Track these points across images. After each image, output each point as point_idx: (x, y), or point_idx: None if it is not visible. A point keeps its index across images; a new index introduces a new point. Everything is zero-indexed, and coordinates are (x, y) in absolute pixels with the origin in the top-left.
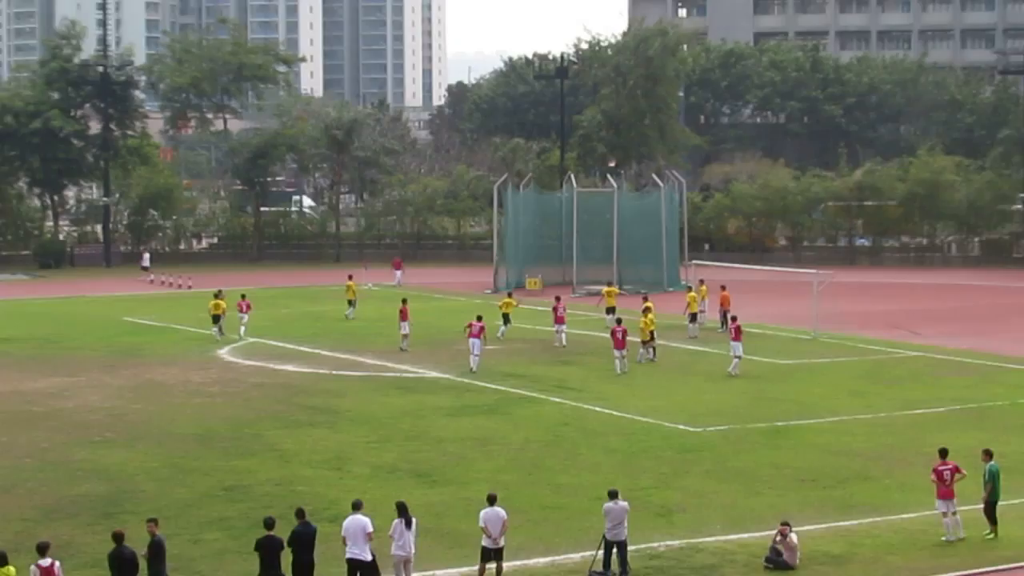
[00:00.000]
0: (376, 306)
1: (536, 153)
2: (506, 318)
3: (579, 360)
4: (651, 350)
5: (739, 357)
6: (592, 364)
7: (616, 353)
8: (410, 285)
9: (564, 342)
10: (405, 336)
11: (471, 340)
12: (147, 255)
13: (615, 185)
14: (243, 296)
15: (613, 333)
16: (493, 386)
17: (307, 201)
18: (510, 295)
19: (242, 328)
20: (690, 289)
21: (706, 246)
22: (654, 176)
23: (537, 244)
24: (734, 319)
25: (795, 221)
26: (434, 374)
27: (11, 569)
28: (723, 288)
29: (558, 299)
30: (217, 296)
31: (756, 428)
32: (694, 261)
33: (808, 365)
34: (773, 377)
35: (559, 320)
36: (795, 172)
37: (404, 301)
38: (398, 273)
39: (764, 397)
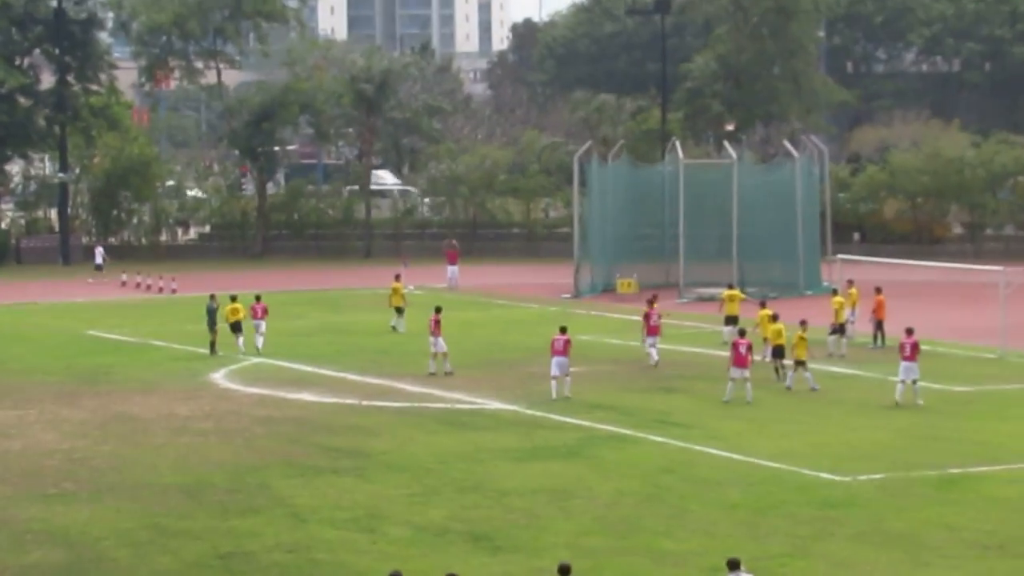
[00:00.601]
0: (417, 316)
1: (630, 114)
2: (399, 311)
3: (686, 386)
4: (787, 373)
5: (910, 382)
6: (703, 392)
7: (734, 373)
8: (464, 287)
9: (656, 359)
10: (442, 355)
11: (554, 359)
12: (100, 250)
13: (734, 155)
14: (258, 298)
15: (735, 347)
16: (574, 421)
17: (388, 178)
18: (398, 278)
19: (259, 339)
20: (835, 292)
21: (855, 236)
22: (786, 143)
23: (631, 234)
24: (909, 332)
25: (974, 202)
26: (495, 405)
27: None
28: (878, 292)
29: (651, 303)
30: (233, 300)
31: (922, 477)
32: (840, 256)
33: (992, 393)
34: (945, 409)
35: (651, 331)
36: (974, 137)
37: (437, 310)
38: (452, 270)
39: (933, 436)
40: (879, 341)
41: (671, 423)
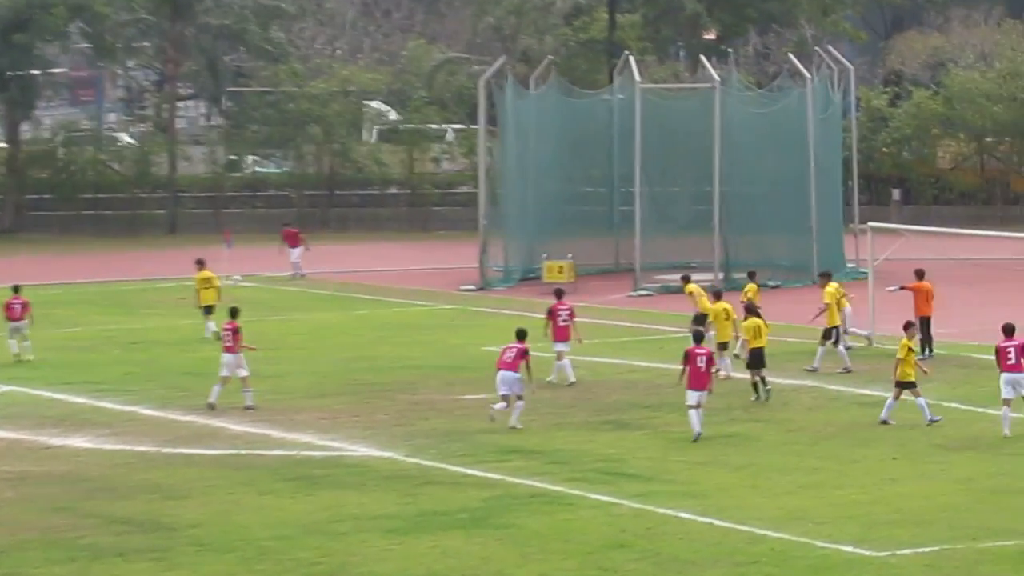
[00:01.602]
0: (250, 315)
1: (562, 17)
2: (208, 311)
3: (645, 420)
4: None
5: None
6: (670, 428)
7: (690, 398)
8: (316, 277)
9: (570, 377)
10: (240, 381)
11: (501, 373)
12: None
13: (716, 77)
14: (16, 289)
15: (690, 359)
16: (479, 473)
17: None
18: (201, 263)
19: (17, 347)
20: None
21: (895, 194)
22: (793, 58)
23: (564, 194)
24: (1009, 332)
25: None
26: (363, 451)
27: None
28: (919, 276)
29: (558, 296)
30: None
31: (996, 550)
32: (871, 224)
33: None
34: None
35: (559, 334)
36: None
37: (232, 314)
38: (295, 253)
39: (1013, 489)
40: (926, 350)
41: (623, 474)
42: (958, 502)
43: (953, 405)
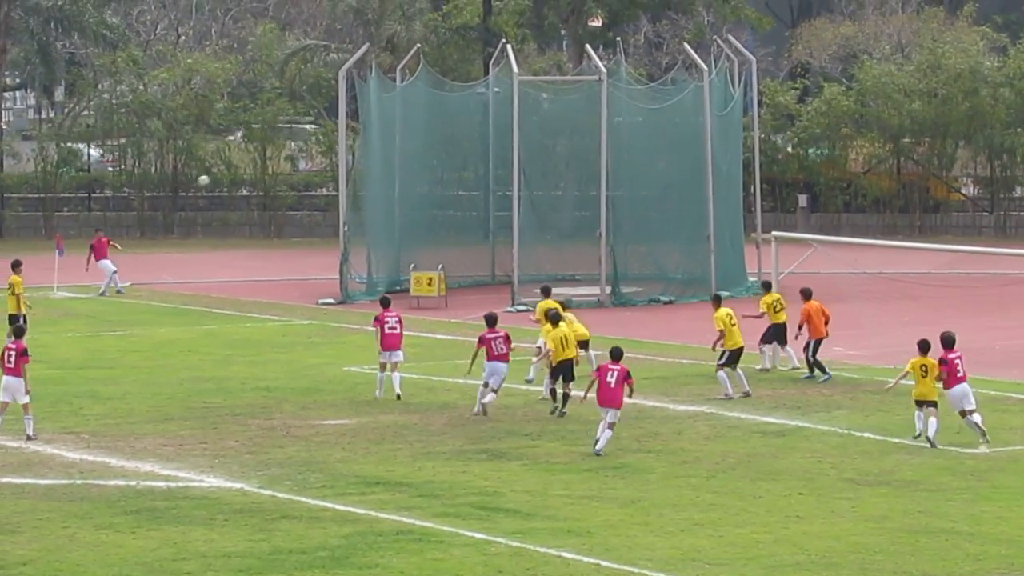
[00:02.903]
0: (86, 330)
1: (429, 1)
2: (15, 321)
3: (526, 448)
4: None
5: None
6: (553, 457)
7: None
8: (159, 288)
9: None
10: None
11: (491, 364)
12: None
13: (603, 68)
14: None
15: (600, 374)
16: (339, 507)
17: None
18: (18, 268)
19: None
20: (767, 288)
21: (802, 200)
22: (688, 49)
23: (434, 198)
24: (949, 344)
25: (997, 144)
26: (211, 481)
27: None
28: (807, 296)
29: (385, 304)
30: None
31: None
32: (775, 233)
33: (1023, 457)
34: (950, 484)
35: (388, 342)
36: (997, 36)
37: (15, 334)
38: (106, 265)
39: (930, 528)
40: (817, 371)
41: (500, 509)
42: (870, 542)
43: (865, 435)
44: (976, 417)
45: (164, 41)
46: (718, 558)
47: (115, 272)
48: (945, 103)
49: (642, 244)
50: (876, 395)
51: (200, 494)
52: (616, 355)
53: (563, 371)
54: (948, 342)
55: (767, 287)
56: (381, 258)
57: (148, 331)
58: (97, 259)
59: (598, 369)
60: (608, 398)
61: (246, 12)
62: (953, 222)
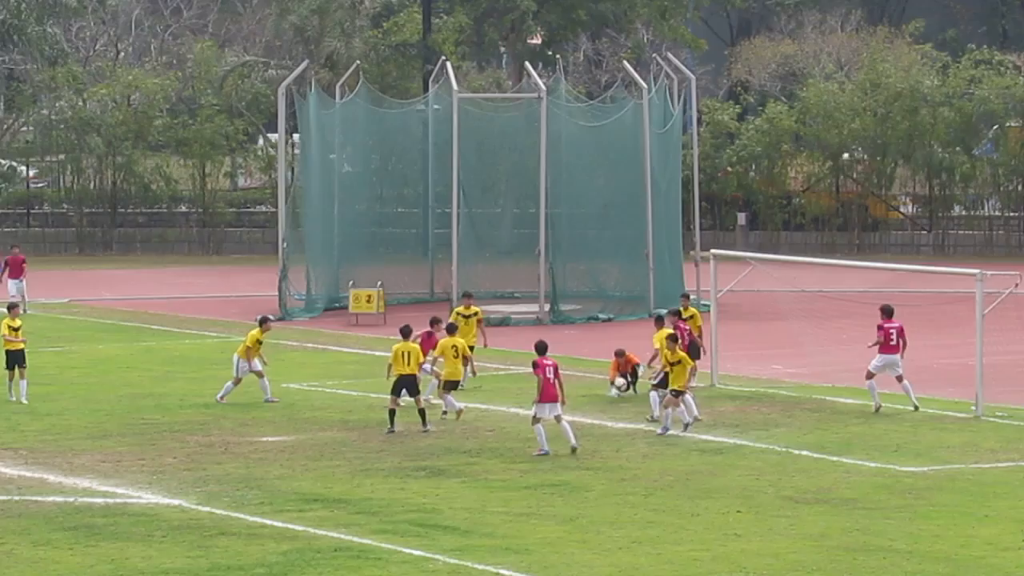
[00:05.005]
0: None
1: (370, 18)
2: None
3: (464, 466)
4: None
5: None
6: (491, 474)
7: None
8: (100, 305)
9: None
10: None
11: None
12: None
13: (543, 86)
14: None
15: (539, 369)
16: (277, 524)
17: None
18: None
19: None
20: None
21: (741, 218)
22: (628, 67)
23: (373, 216)
24: (888, 314)
25: (936, 163)
26: (149, 498)
27: None
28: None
29: (433, 325)
30: None
31: None
32: (714, 251)
33: (963, 476)
34: (888, 502)
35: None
36: (937, 54)
37: None
38: (15, 285)
39: (867, 546)
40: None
41: (438, 526)
42: (808, 560)
43: (803, 453)
44: (906, 384)
45: (104, 57)
46: (654, 574)
47: (19, 293)
48: (885, 122)
49: (581, 262)
50: (814, 413)
51: (138, 511)
52: (541, 349)
53: (404, 385)
54: (887, 312)
55: (659, 322)
56: (320, 275)
57: (87, 347)
58: (12, 278)
59: (535, 366)
60: (551, 394)
61: (185, 29)
62: (892, 241)
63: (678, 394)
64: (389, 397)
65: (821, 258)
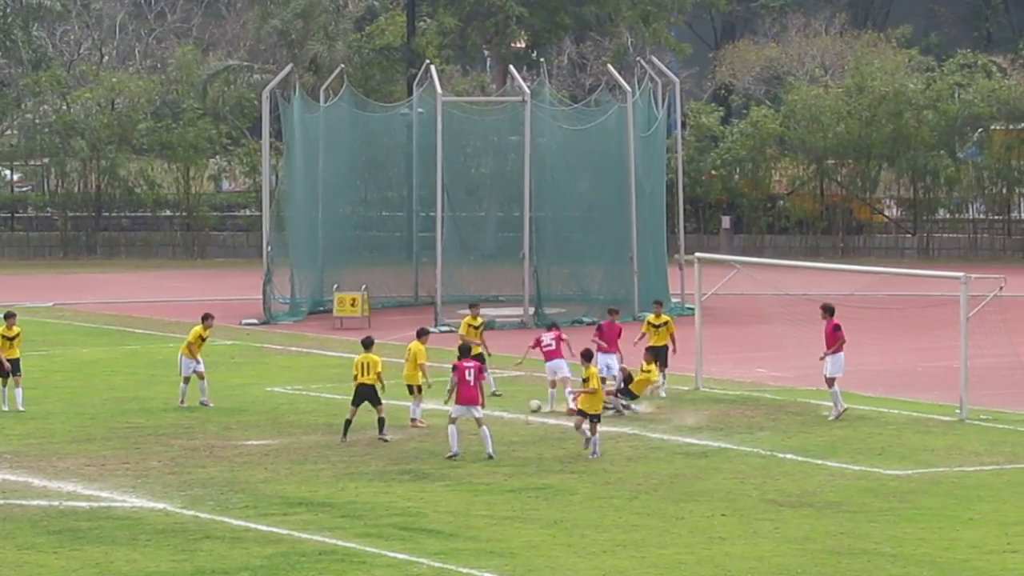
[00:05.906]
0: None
1: (354, 21)
2: None
3: (447, 470)
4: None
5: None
6: (474, 478)
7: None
8: (83, 308)
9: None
10: None
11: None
12: None
13: (527, 89)
14: None
15: (458, 372)
16: (262, 527)
17: None
18: None
19: None
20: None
21: (725, 221)
22: (612, 70)
23: (357, 219)
24: (829, 312)
25: (921, 166)
26: (133, 501)
27: None
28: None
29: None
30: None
31: None
32: (698, 254)
33: (947, 479)
34: (872, 505)
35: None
36: (921, 59)
37: None
38: None
39: (852, 550)
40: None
41: (422, 530)
42: (793, 564)
43: (788, 456)
44: (835, 387)
45: (88, 61)
46: None
47: None
48: (869, 125)
49: (565, 265)
50: (799, 416)
51: (123, 514)
52: (464, 352)
53: (365, 396)
54: (828, 311)
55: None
56: (304, 278)
57: (71, 351)
58: None
59: (454, 368)
60: (469, 396)
61: (169, 32)
62: (876, 244)
63: (594, 418)
64: (350, 408)
65: (805, 261)
